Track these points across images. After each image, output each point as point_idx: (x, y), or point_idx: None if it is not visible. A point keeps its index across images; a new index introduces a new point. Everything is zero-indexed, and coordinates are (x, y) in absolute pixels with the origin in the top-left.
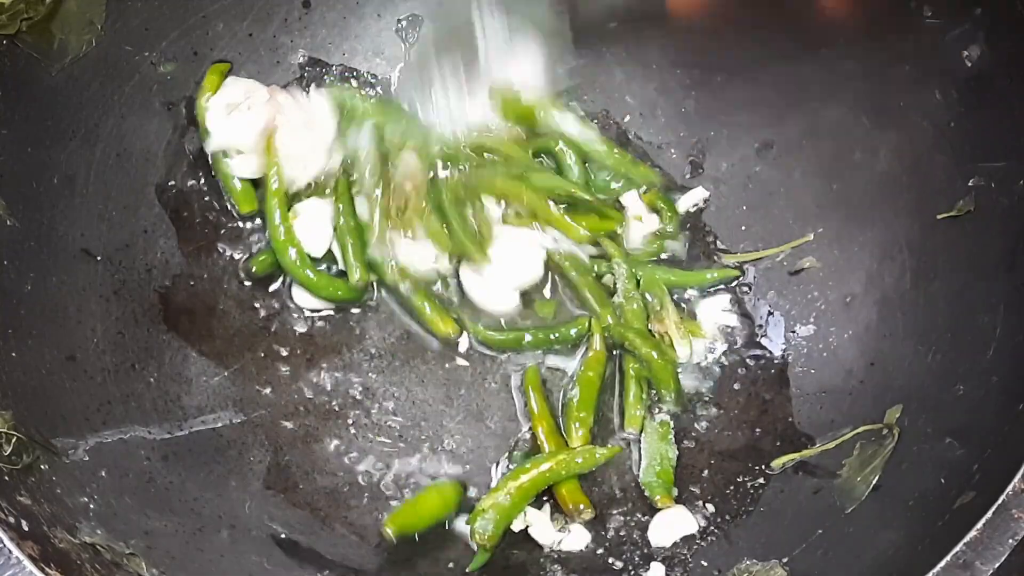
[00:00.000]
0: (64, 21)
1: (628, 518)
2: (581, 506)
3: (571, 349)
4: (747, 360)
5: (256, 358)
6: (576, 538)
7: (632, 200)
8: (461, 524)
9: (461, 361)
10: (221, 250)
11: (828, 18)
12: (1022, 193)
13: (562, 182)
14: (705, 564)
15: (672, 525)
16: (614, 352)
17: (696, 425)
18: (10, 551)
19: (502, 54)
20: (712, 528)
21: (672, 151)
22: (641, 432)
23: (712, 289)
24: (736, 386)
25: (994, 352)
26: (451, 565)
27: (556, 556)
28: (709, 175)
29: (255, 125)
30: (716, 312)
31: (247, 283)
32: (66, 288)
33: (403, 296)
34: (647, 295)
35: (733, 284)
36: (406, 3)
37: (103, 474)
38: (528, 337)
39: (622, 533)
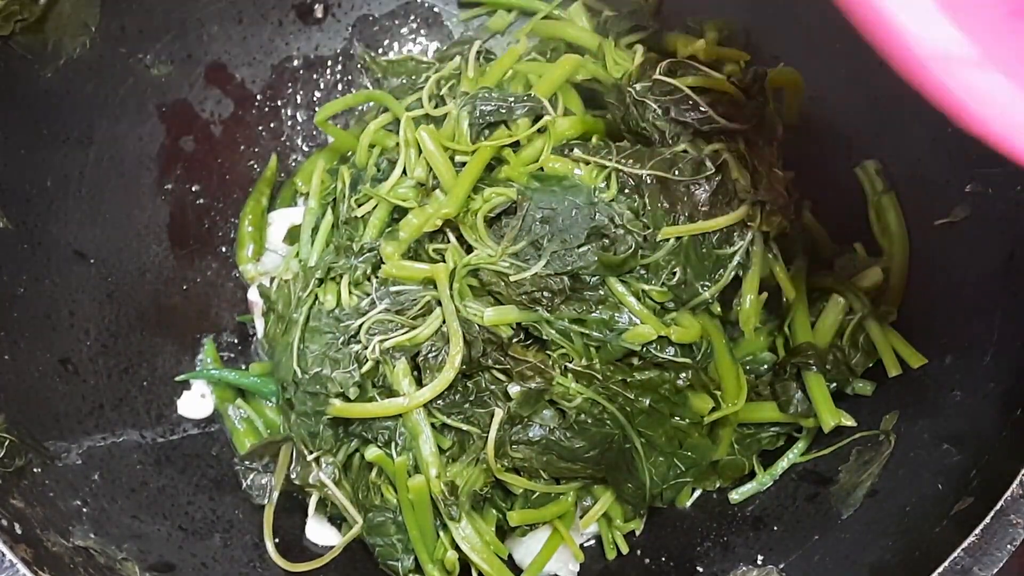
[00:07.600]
0: (58, 23)
1: None
2: None
3: None
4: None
5: None
6: None
7: None
8: None
9: None
10: (214, 253)
11: (824, 21)
12: (1019, 199)
13: None
14: (701, 570)
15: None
16: None
17: None
18: (3, 554)
19: None
20: (709, 535)
21: None
22: None
23: None
24: None
25: (991, 358)
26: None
27: None
28: None
29: None
30: None
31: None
32: (59, 291)
33: None
34: None
35: None
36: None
37: (96, 478)
38: None
39: None
